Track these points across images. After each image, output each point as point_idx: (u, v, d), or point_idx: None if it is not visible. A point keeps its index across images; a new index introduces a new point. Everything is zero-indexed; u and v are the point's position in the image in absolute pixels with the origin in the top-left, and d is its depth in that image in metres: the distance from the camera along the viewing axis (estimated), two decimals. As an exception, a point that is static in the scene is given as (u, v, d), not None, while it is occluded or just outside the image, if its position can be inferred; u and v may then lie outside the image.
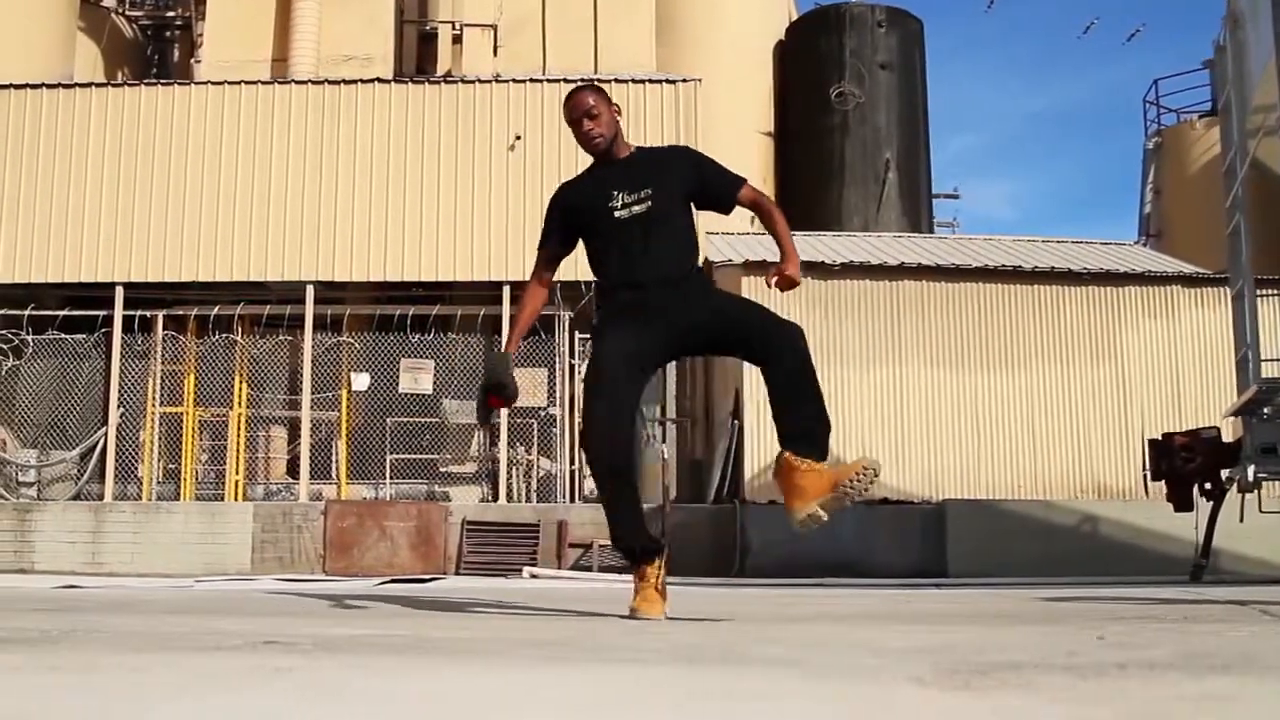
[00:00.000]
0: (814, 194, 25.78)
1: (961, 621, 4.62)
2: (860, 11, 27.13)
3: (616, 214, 5.06)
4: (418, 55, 23.45)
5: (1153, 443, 12.88)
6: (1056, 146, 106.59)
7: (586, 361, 5.27)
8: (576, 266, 17.13)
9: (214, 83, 19.04)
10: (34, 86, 18.82)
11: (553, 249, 5.40)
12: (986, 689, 2.18)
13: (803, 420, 4.84)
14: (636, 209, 5.04)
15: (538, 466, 18.85)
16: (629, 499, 4.91)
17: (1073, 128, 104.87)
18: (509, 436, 18.31)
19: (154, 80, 21.94)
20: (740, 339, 5.03)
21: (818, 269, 17.61)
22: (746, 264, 17.61)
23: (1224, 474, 11.99)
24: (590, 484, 19.25)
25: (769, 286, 4.96)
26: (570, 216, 5.30)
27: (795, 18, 29.32)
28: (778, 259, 4.99)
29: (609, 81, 18.84)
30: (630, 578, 4.83)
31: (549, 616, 4.88)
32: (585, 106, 5.13)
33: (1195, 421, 17.05)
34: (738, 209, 5.25)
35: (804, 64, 27.05)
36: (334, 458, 18.83)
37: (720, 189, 5.22)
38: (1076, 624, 4.40)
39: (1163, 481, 12.60)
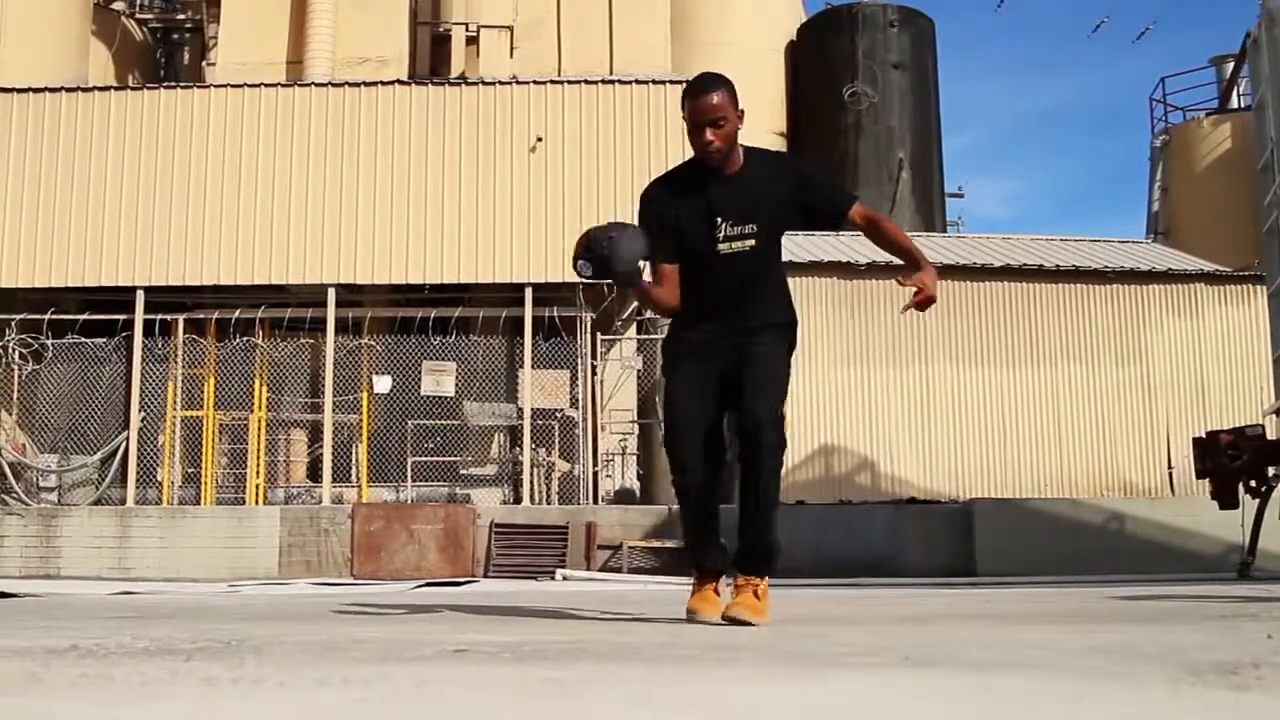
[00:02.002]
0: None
1: (1085, 620, 4.60)
2: (872, 11, 27.18)
3: (719, 246, 4.61)
4: (431, 57, 23.36)
5: (1198, 440, 12.88)
6: (1055, 146, 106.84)
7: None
8: (599, 268, 17.01)
9: (233, 85, 18.98)
10: (52, 90, 18.75)
11: (670, 259, 4.73)
12: (1269, 688, 2.16)
13: (747, 539, 4.67)
14: (739, 245, 4.60)
15: (558, 468, 18.82)
16: (704, 519, 4.88)
17: (1073, 127, 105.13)
18: (530, 438, 18.26)
19: (173, 84, 21.86)
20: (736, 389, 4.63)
21: (843, 269, 17.62)
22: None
23: (1270, 471, 12.00)
24: (607, 485, 19.25)
25: (904, 310, 4.70)
26: (673, 233, 4.68)
27: (805, 18, 29.33)
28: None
29: (628, 83, 18.85)
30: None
31: (662, 622, 4.85)
32: (713, 114, 4.52)
33: (1220, 418, 17.10)
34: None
35: (817, 64, 27.09)
36: (354, 460, 18.78)
37: (829, 203, 4.79)
38: (1207, 622, 4.38)
39: (1208, 479, 12.59)
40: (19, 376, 18.49)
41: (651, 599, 8.35)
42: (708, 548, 4.89)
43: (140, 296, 18.18)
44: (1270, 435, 12.57)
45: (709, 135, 4.54)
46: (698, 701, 1.99)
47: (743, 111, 4.66)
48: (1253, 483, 12.12)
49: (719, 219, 4.60)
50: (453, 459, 18.97)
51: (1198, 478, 13.31)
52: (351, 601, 7.16)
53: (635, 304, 20.47)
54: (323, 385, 18.47)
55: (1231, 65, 30.64)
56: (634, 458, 20.02)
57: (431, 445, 18.90)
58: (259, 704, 2.00)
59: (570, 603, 7.32)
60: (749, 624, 4.28)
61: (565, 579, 14.92)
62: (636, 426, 20.11)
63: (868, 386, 17.44)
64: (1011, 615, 5.10)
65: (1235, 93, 30.51)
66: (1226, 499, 12.26)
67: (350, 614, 5.40)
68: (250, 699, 2.05)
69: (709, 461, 4.76)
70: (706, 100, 4.55)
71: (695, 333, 4.77)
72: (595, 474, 18.59)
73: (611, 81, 19.14)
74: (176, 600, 7.88)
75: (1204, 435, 12.90)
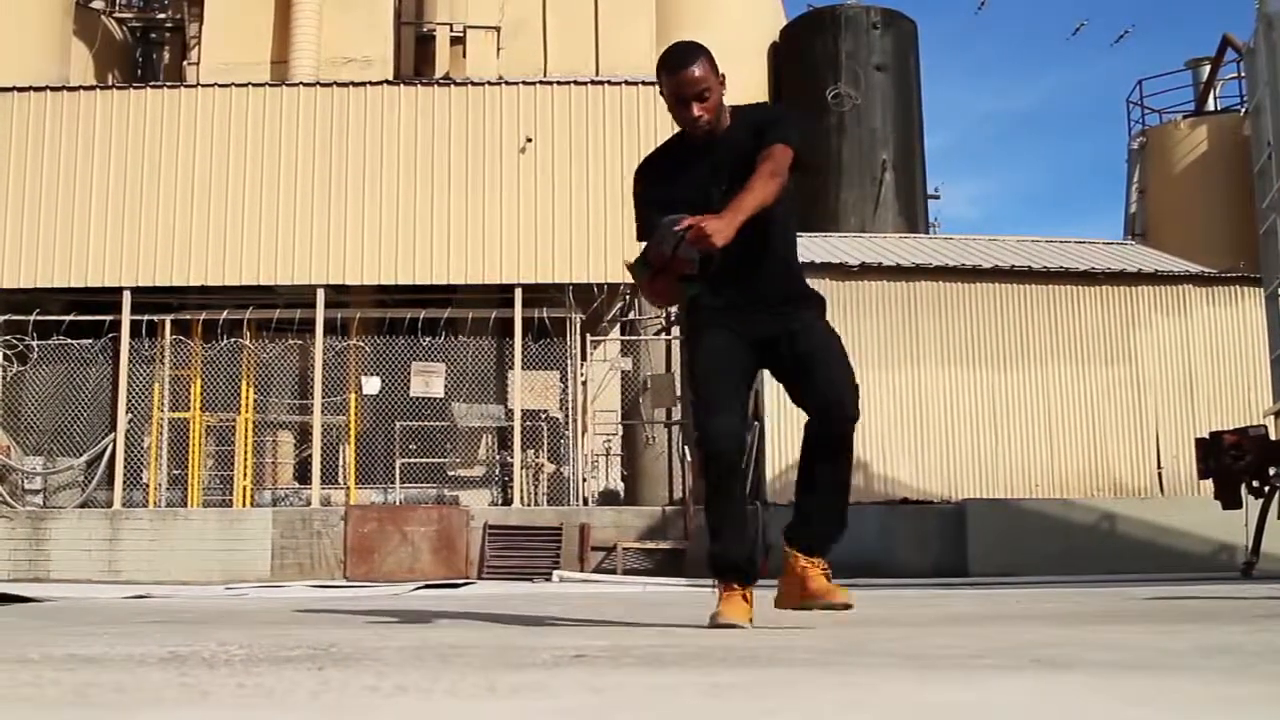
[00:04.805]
0: (811, 195, 25.83)
1: (1158, 620, 4.62)
2: (855, 13, 27.27)
3: None
4: (415, 57, 23.28)
5: (1200, 441, 12.97)
6: (1030, 147, 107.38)
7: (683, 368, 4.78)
8: (589, 268, 17.03)
9: (219, 85, 18.86)
10: (38, 89, 18.59)
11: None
12: None
13: (817, 517, 4.41)
14: None
15: (546, 469, 18.78)
16: (734, 508, 4.48)
17: (1050, 128, 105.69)
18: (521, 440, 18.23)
19: (159, 83, 21.69)
20: (798, 380, 4.43)
21: (835, 270, 17.66)
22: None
23: (1272, 471, 12.10)
24: (592, 486, 19.21)
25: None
26: (668, 211, 4.31)
27: (785, 20, 29.38)
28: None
29: (618, 84, 18.83)
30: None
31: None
32: (696, 86, 4.26)
33: (1209, 418, 17.24)
34: None
35: (799, 65, 27.17)
36: (342, 462, 18.70)
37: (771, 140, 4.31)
38: (1265, 620, 4.41)
39: (1211, 479, 12.67)
40: (4, 378, 18.31)
41: (671, 601, 8.35)
42: (738, 545, 4.49)
43: (127, 297, 18.05)
44: (1272, 436, 12.67)
45: (696, 110, 4.29)
46: (894, 701, 1.98)
47: (724, 77, 4.38)
48: (1255, 483, 12.22)
49: (710, 190, 4.30)
50: (441, 460, 18.92)
51: (1200, 478, 13.41)
52: (382, 607, 7.12)
53: (620, 305, 20.48)
54: (311, 387, 18.39)
55: (1208, 68, 30.86)
56: (618, 459, 20.03)
57: (414, 447, 18.82)
58: (468, 714, 1.98)
59: (597, 605, 7.31)
60: (848, 606, 4.09)
61: (561, 580, 14.89)
62: (621, 428, 20.12)
63: (860, 388, 17.52)
64: (1070, 616, 5.12)
65: (1212, 95, 30.75)
66: (1230, 499, 12.35)
67: (410, 619, 5.36)
68: (450, 709, 2.03)
69: (739, 436, 4.37)
70: (688, 73, 4.28)
71: (716, 298, 4.45)
72: (584, 475, 18.58)
73: (600, 82, 19.12)
74: (198, 605, 7.83)
75: (1207, 436, 12.99)
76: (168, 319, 18.41)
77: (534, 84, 19.08)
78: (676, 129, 4.52)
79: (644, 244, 4.36)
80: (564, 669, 2.66)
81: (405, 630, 4.35)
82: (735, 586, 4.36)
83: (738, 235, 4.09)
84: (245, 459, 18.37)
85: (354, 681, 2.45)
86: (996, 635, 3.87)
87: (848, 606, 4.12)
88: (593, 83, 19.12)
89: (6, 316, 18.22)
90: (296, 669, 2.73)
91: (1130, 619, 4.91)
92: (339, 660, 2.97)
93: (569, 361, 18.48)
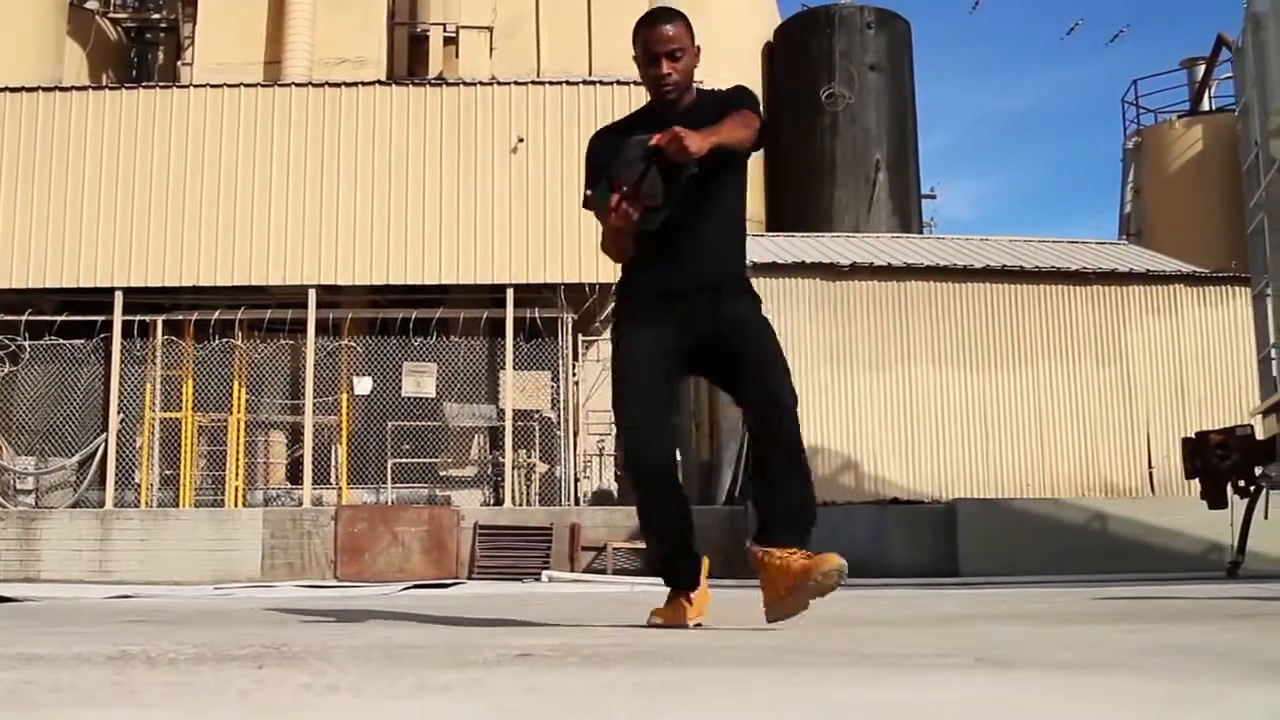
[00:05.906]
0: (804, 195, 25.86)
1: (1122, 620, 4.61)
2: (849, 13, 27.26)
3: None
4: (408, 57, 23.30)
5: (1187, 441, 12.96)
6: (1025, 147, 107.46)
7: (611, 364, 4.53)
8: (580, 268, 17.00)
9: (212, 85, 18.86)
10: (29, 89, 18.58)
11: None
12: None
13: (778, 507, 4.20)
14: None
15: (538, 469, 18.78)
16: (669, 512, 4.35)
17: (1045, 128, 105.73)
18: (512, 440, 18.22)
19: (151, 83, 21.72)
20: (733, 379, 4.22)
21: (825, 270, 17.65)
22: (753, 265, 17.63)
23: (1258, 471, 12.10)
24: (585, 486, 19.22)
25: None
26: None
27: (780, 19, 29.38)
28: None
29: (610, 84, 18.80)
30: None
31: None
32: (670, 44, 4.11)
33: (1199, 418, 17.24)
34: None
35: (793, 65, 27.16)
36: (334, 462, 18.68)
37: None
38: (1238, 620, 4.40)
39: (1197, 479, 12.67)
40: (-4, 378, 18.32)
41: (655, 601, 8.31)
42: (683, 564, 4.45)
43: (119, 298, 18.04)
44: (1260, 435, 12.66)
45: (665, 67, 4.11)
46: (826, 700, 1.97)
47: (699, 48, 4.22)
48: (1241, 483, 12.23)
49: None
50: (432, 460, 18.91)
51: (1187, 478, 13.41)
52: (360, 607, 7.11)
53: (612, 305, 20.48)
54: (302, 387, 18.38)
55: (1203, 67, 30.85)
56: (611, 459, 20.03)
57: (406, 447, 18.81)
58: (391, 713, 1.97)
59: (578, 605, 7.30)
60: (841, 571, 3.99)
61: (551, 580, 14.88)
62: (614, 428, 20.10)
63: (850, 387, 17.48)
64: (1039, 616, 5.11)
65: (1206, 95, 30.74)
66: (1216, 499, 12.36)
67: (377, 619, 5.36)
68: (376, 707, 2.02)
69: (663, 452, 4.24)
70: (662, 30, 4.13)
71: (650, 284, 4.25)
72: (577, 476, 18.58)
73: (592, 82, 19.10)
74: (180, 605, 7.82)
75: (1193, 436, 12.98)
76: (160, 319, 18.39)
77: (526, 84, 19.07)
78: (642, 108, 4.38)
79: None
80: (504, 668, 2.65)
81: (365, 629, 4.34)
82: (678, 591, 4.44)
83: (682, 203, 3.99)
84: (237, 459, 18.38)
85: (289, 680, 2.44)
86: (958, 634, 3.87)
87: (841, 572, 4.00)
88: (585, 83, 19.11)
89: (-1, 317, 18.23)
90: (238, 667, 2.73)
91: (1108, 618, 4.90)
92: (284, 659, 2.96)
93: (561, 361, 18.47)
